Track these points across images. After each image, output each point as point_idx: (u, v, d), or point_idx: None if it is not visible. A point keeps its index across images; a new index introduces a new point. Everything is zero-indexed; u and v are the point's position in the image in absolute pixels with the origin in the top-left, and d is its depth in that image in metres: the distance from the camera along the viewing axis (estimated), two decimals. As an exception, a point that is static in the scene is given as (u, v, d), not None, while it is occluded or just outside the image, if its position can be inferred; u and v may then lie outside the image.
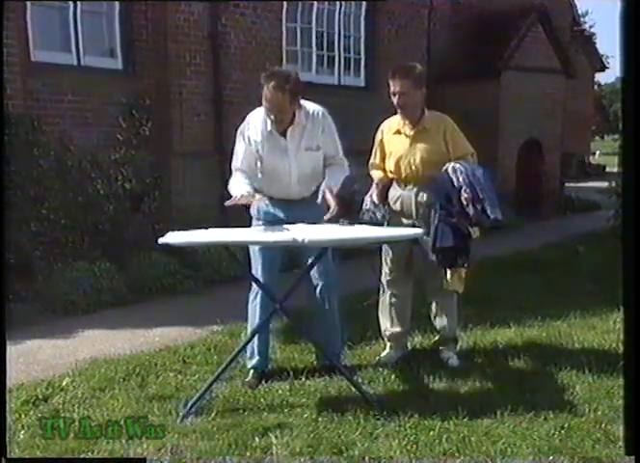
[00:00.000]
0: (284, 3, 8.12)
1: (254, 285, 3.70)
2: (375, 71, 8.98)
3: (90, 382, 3.75)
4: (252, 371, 3.77)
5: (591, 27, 24.96)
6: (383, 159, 3.89)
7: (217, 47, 7.38)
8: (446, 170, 3.59)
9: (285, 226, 3.46)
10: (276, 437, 3.02)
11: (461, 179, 3.53)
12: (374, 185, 3.90)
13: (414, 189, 3.77)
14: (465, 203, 3.52)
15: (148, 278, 5.94)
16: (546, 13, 10.54)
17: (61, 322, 5.12)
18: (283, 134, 3.56)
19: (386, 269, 3.97)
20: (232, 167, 3.68)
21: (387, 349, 4.08)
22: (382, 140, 3.89)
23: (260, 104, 3.52)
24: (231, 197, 3.42)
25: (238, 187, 3.49)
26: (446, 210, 3.56)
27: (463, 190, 3.52)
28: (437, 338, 4.16)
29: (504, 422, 3.12)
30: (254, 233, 3.58)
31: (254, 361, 3.77)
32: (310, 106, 3.61)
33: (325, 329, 3.82)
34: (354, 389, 3.44)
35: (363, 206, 3.76)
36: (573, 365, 3.79)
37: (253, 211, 3.74)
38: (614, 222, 7.50)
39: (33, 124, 6.08)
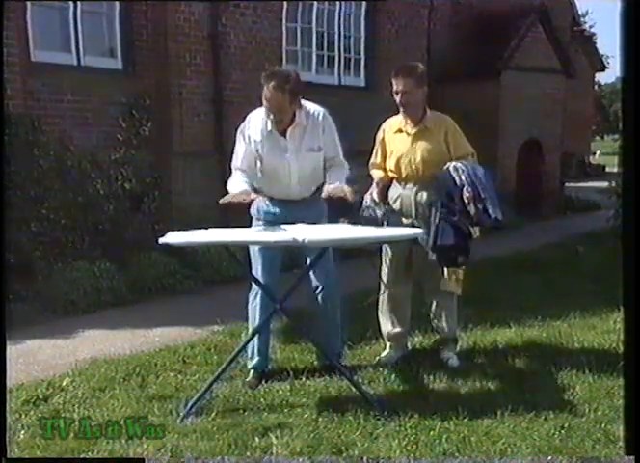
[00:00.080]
0: (284, 3, 8.11)
1: (255, 286, 3.71)
2: (375, 71, 8.97)
3: (90, 382, 3.75)
4: (252, 371, 3.77)
5: (591, 27, 24.97)
6: (384, 158, 3.90)
7: (217, 47, 7.37)
8: (448, 168, 3.59)
9: (285, 226, 3.46)
10: (276, 437, 3.02)
11: (463, 178, 3.54)
12: (374, 184, 3.90)
13: (414, 188, 3.77)
14: (466, 201, 3.53)
15: (148, 278, 5.94)
16: (546, 13, 10.53)
17: (61, 322, 5.12)
18: (283, 134, 3.56)
19: (385, 269, 3.97)
20: (232, 166, 3.68)
21: (387, 349, 4.08)
22: (383, 139, 3.90)
23: (260, 104, 3.52)
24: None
25: (235, 185, 3.50)
26: (448, 209, 3.57)
27: (464, 189, 3.52)
28: (437, 337, 4.16)
29: (504, 422, 3.12)
30: (254, 233, 3.58)
31: (255, 361, 3.77)
32: (311, 106, 3.61)
33: (325, 329, 3.82)
34: (354, 389, 3.44)
35: (363, 204, 3.76)
36: (573, 365, 3.79)
37: (253, 211, 3.74)
38: (614, 222, 7.51)
39: (33, 124, 6.08)
